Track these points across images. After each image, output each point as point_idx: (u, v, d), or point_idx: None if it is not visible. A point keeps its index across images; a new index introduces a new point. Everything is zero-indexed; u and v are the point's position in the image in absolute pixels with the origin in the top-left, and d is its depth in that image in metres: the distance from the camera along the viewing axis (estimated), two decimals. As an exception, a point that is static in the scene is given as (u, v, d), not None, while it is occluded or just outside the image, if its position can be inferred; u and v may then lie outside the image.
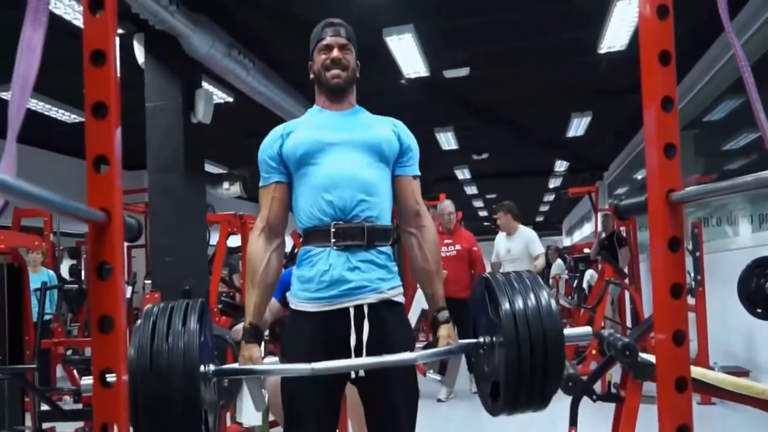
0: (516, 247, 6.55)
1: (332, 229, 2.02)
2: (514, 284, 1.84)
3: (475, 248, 6.47)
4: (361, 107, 2.28)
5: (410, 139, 2.22)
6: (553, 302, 1.83)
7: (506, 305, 1.79)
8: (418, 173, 2.24)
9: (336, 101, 2.21)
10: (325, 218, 2.04)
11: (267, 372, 2.18)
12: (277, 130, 2.18)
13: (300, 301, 2.09)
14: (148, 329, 1.67)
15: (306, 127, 2.15)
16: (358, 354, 1.99)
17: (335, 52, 2.17)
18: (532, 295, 1.80)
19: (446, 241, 6.35)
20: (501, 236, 6.79)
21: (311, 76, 2.23)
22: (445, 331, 2.10)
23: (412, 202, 2.19)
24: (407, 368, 2.12)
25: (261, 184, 2.18)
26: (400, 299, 2.14)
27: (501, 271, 6.00)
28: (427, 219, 2.22)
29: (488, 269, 6.65)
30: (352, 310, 2.02)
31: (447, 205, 6.55)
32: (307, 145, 2.08)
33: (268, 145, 2.16)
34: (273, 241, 2.15)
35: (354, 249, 2.03)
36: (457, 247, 6.40)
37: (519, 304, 1.78)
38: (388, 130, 2.18)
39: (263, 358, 2.11)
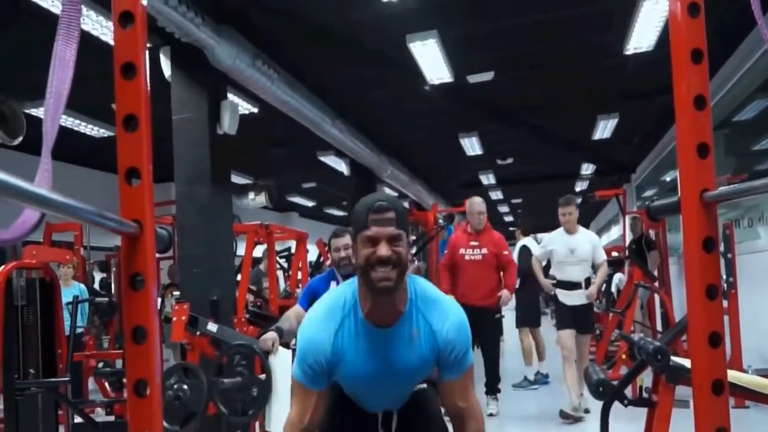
0: (582, 248, 5.89)
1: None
2: None
3: (505, 252, 6.13)
4: (411, 298, 2.04)
5: (453, 355, 2.05)
6: None
7: None
8: (465, 370, 2.11)
9: (382, 305, 1.98)
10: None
11: None
12: (325, 347, 2.01)
13: None
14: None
15: (354, 356, 2.02)
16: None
17: (383, 250, 1.87)
18: None
19: (472, 243, 6.11)
20: (559, 233, 6.02)
21: (353, 264, 2.18)
22: None
23: (451, 406, 2.15)
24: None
25: (302, 380, 2.05)
26: (423, 385, 2.27)
27: (559, 272, 5.95)
28: (471, 421, 2.14)
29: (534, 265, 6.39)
30: (380, 415, 2.23)
31: (477, 203, 6.18)
32: (353, 386, 2.15)
33: (315, 356, 2.00)
34: None
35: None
36: (483, 251, 6.06)
37: None
38: (431, 359, 2.07)
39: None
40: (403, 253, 1.90)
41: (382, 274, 1.87)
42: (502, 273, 6.12)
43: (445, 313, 2.03)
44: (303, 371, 2.01)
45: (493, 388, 6.20)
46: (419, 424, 2.07)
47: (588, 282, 5.91)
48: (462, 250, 6.14)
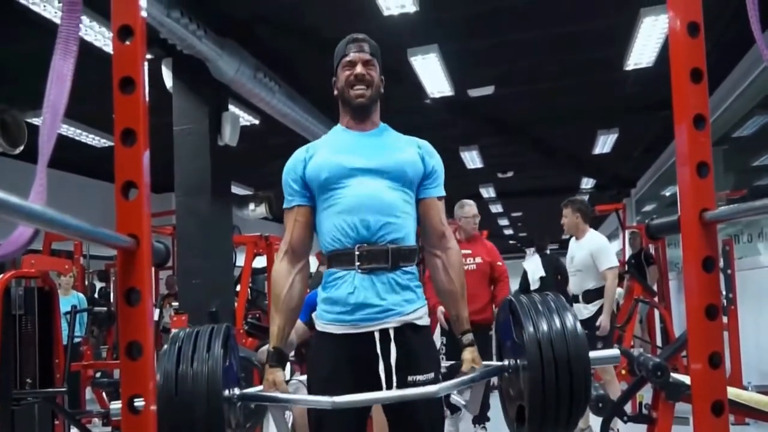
0: (579, 255, 5.41)
1: (356, 252, 2.01)
2: (538, 306, 1.82)
3: (499, 263, 5.46)
4: (387, 125, 2.26)
5: (435, 160, 2.19)
6: (578, 325, 1.80)
7: (530, 328, 1.77)
8: (443, 194, 2.21)
9: (360, 120, 2.18)
10: (348, 241, 2.02)
11: (290, 401, 2.16)
12: (299, 153, 2.17)
13: (325, 322, 2.08)
14: (174, 354, 1.69)
15: (329, 150, 2.12)
16: (387, 376, 1.98)
17: (359, 68, 2.14)
18: (556, 318, 1.78)
19: (465, 252, 5.13)
20: (572, 241, 5.59)
21: (335, 92, 2.22)
22: (470, 354, 2.08)
23: (436, 223, 2.17)
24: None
25: (285, 206, 2.18)
26: (426, 321, 2.12)
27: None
28: (452, 241, 2.20)
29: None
30: (377, 335, 2.01)
31: (472, 206, 5.48)
32: (330, 170, 2.06)
33: (291, 168, 2.15)
34: (296, 264, 2.14)
35: (378, 272, 2.02)
36: (477, 259, 5.36)
37: (543, 327, 1.76)
38: (413, 151, 2.15)
39: (288, 381, 2.10)
40: (376, 76, 2.18)
41: (359, 91, 2.14)
42: (493, 287, 5.42)
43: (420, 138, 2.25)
44: (284, 191, 2.17)
45: (482, 416, 5.50)
46: (415, 345, 2.04)
47: (589, 295, 5.32)
48: None
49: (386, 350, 2.00)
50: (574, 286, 5.47)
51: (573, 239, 5.55)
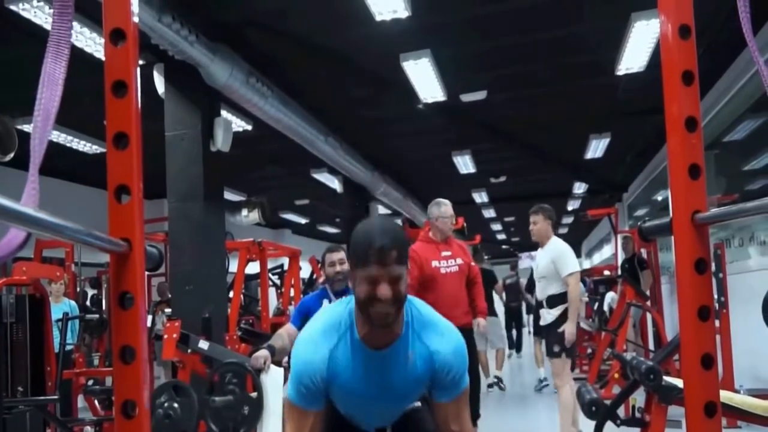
0: (543, 262, 5.37)
1: None
2: None
3: (472, 263, 5.35)
4: (407, 321, 2.03)
5: (449, 378, 2.03)
6: None
7: None
8: (459, 392, 2.09)
9: (379, 334, 1.97)
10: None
11: None
12: (320, 366, 1.99)
13: None
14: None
15: (349, 376, 2.00)
16: None
17: (384, 291, 1.83)
18: None
19: (444, 254, 5.11)
20: (539, 248, 5.55)
21: (349, 284, 2.17)
22: None
23: (443, 428, 2.13)
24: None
25: (296, 402, 2.02)
26: (417, 403, 2.27)
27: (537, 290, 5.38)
28: None
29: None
30: None
31: (447, 205, 5.21)
32: (346, 406, 2.14)
33: (310, 379, 1.98)
34: None
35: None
36: (458, 261, 5.15)
37: None
38: (426, 380, 2.05)
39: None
40: (403, 291, 1.87)
41: (382, 310, 1.85)
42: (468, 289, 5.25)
43: (442, 336, 2.02)
44: (298, 392, 1.98)
45: (473, 415, 5.56)
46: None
47: (552, 300, 5.26)
48: (435, 263, 5.05)
49: None
50: (540, 292, 5.42)
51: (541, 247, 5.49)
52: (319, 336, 2.01)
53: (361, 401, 2.05)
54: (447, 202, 5.25)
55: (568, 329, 5.11)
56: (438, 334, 2.02)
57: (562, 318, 5.14)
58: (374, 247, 1.81)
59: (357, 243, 1.88)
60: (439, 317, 2.09)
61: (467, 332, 5.06)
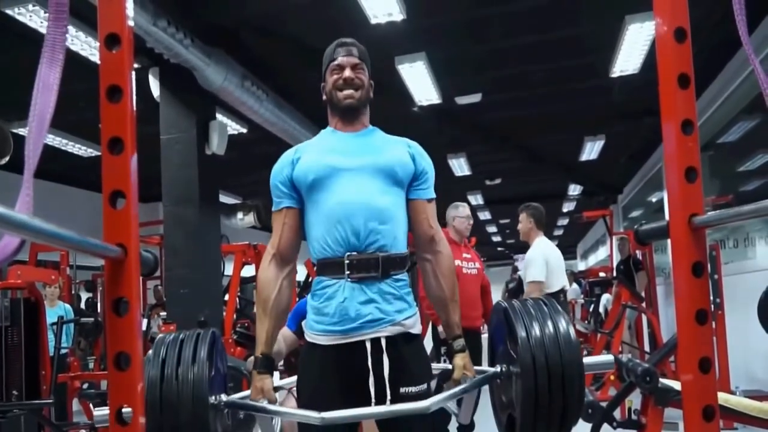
0: (522, 264, 5.27)
1: (346, 261, 1.97)
2: (531, 312, 1.81)
3: (483, 270, 5.28)
4: (376, 128, 2.23)
5: (425, 161, 2.16)
6: (572, 330, 1.77)
7: (523, 334, 1.74)
8: (434, 196, 2.18)
9: (349, 122, 2.15)
10: (338, 249, 1.99)
11: (278, 413, 2.10)
12: (287, 154, 2.14)
13: (315, 332, 2.04)
14: (159, 360, 1.67)
15: (317, 151, 2.09)
16: (378, 388, 1.95)
17: (347, 72, 2.12)
18: (549, 323, 1.76)
19: (465, 256, 5.09)
20: None
21: (323, 97, 2.18)
22: (461, 360, 2.05)
23: (426, 227, 2.13)
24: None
25: (273, 209, 2.16)
26: (417, 330, 2.08)
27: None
28: (443, 244, 2.16)
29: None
30: (369, 345, 1.97)
31: (464, 207, 5.23)
32: (318, 171, 2.02)
33: (279, 170, 2.13)
34: (284, 268, 2.12)
35: (369, 281, 1.98)
36: (477, 264, 5.14)
37: (536, 332, 1.73)
38: (403, 151, 2.12)
39: (277, 389, 2.07)
40: (365, 79, 2.16)
41: (348, 93, 2.11)
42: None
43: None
44: (272, 193, 2.14)
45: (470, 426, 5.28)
46: (407, 355, 2.01)
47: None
48: (458, 262, 4.89)
49: (378, 362, 1.96)
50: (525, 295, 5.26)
51: None
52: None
53: (337, 173, 2.02)
54: (464, 204, 5.27)
55: None
56: (405, 138, 2.23)
57: None
58: (339, 42, 2.18)
59: (327, 50, 2.20)
60: None
61: (479, 335, 5.09)
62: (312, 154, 2.09)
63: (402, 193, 2.10)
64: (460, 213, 5.18)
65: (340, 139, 2.13)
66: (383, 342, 1.97)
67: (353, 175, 2.02)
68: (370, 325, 1.97)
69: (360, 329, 1.97)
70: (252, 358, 3.57)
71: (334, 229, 1.99)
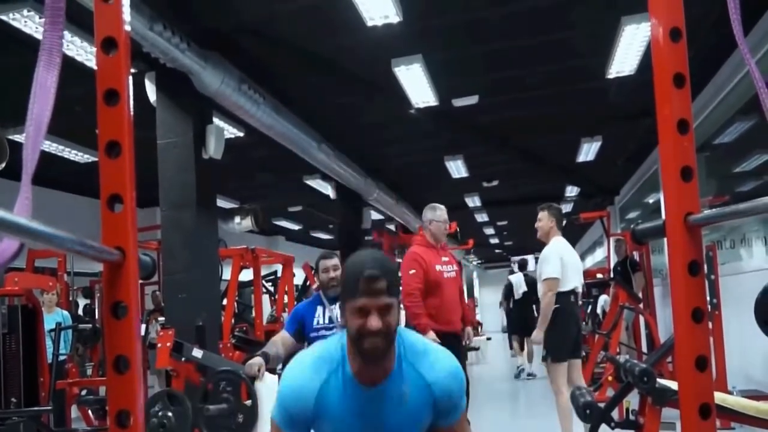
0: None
1: None
2: None
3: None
4: (400, 358, 1.99)
5: (451, 401, 2.01)
6: None
7: None
8: (460, 415, 2.07)
9: (372, 370, 1.94)
10: None
11: None
12: (307, 399, 1.95)
13: None
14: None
15: (338, 419, 1.96)
16: None
17: (375, 322, 1.83)
18: None
19: (444, 259, 5.11)
20: None
21: (340, 321, 2.07)
22: None
23: None
24: None
25: (281, 427, 2.00)
26: None
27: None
28: None
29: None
30: None
31: (443, 210, 5.22)
32: None
33: (297, 406, 1.96)
34: None
35: None
36: (455, 267, 5.18)
37: None
38: (424, 414, 2.01)
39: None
40: (393, 322, 1.87)
41: (372, 344, 1.84)
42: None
43: (437, 362, 2.00)
44: (282, 416, 1.97)
45: None
46: None
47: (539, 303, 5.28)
48: (438, 267, 5.03)
49: None
50: (539, 292, 5.39)
51: None
52: (310, 367, 1.98)
53: None
54: (442, 206, 5.24)
55: (533, 335, 5.14)
56: (432, 362, 2.00)
57: (550, 321, 5.07)
58: (363, 278, 1.82)
59: (347, 275, 1.91)
60: (430, 344, 2.07)
61: (459, 339, 5.16)
62: (333, 415, 1.96)
63: None
64: (437, 217, 5.17)
65: (359, 407, 1.96)
66: None
67: None
68: None
69: None
70: (250, 362, 3.58)
71: None
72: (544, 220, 5.35)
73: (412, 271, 4.91)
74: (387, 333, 1.84)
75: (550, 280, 5.08)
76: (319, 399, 1.93)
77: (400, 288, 1.88)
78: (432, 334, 4.63)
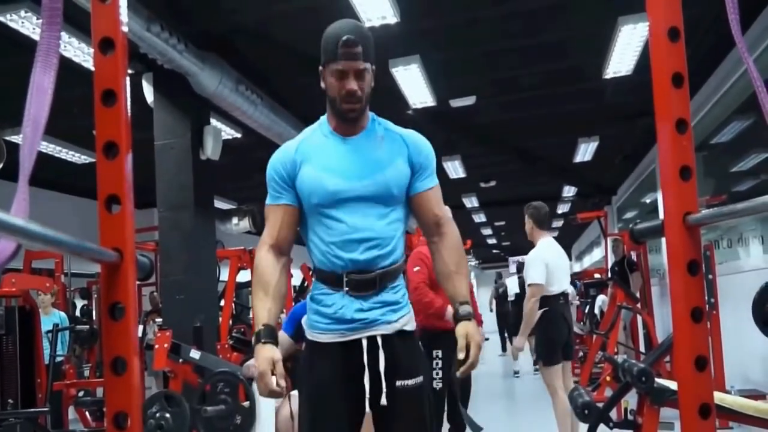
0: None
1: (345, 278, 2.02)
2: None
3: None
4: (374, 117, 2.21)
5: (423, 155, 2.18)
6: None
7: None
8: (436, 182, 2.22)
9: (348, 126, 2.12)
10: (337, 268, 2.04)
11: None
12: (288, 150, 2.13)
13: (314, 331, 2.09)
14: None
15: (318, 164, 2.07)
16: (374, 383, 2.00)
17: (351, 84, 2.01)
18: None
19: None
20: None
21: (321, 84, 2.11)
22: (463, 329, 2.03)
23: (430, 216, 2.18)
24: (422, 402, 2.10)
25: (269, 201, 2.15)
26: (412, 327, 2.14)
27: None
28: (448, 225, 2.20)
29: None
30: (365, 342, 2.02)
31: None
32: (321, 197, 2.04)
33: (280, 164, 2.12)
34: (281, 258, 2.14)
35: (366, 295, 2.04)
36: None
37: None
38: (399, 157, 2.13)
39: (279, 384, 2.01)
40: (368, 85, 2.07)
41: (350, 106, 2.04)
42: None
43: (408, 129, 2.23)
44: (270, 187, 2.12)
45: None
46: (402, 352, 2.05)
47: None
48: None
49: (374, 359, 2.01)
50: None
51: None
52: (293, 139, 2.19)
53: (339, 202, 2.03)
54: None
55: (516, 341, 5.12)
56: (402, 128, 2.23)
57: (539, 324, 4.99)
58: (342, 41, 1.98)
59: (326, 40, 2.05)
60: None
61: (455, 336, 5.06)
62: (314, 166, 2.08)
63: (401, 204, 2.15)
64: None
65: (339, 151, 2.11)
66: (379, 340, 2.03)
67: (354, 204, 2.04)
68: (366, 325, 2.03)
69: (357, 329, 2.03)
70: (248, 362, 3.57)
71: (334, 255, 2.04)
72: (526, 222, 5.30)
73: (417, 269, 4.86)
74: (362, 97, 2.05)
75: (534, 286, 4.99)
76: (300, 147, 2.12)
77: (373, 62, 2.04)
78: (450, 312, 4.48)
